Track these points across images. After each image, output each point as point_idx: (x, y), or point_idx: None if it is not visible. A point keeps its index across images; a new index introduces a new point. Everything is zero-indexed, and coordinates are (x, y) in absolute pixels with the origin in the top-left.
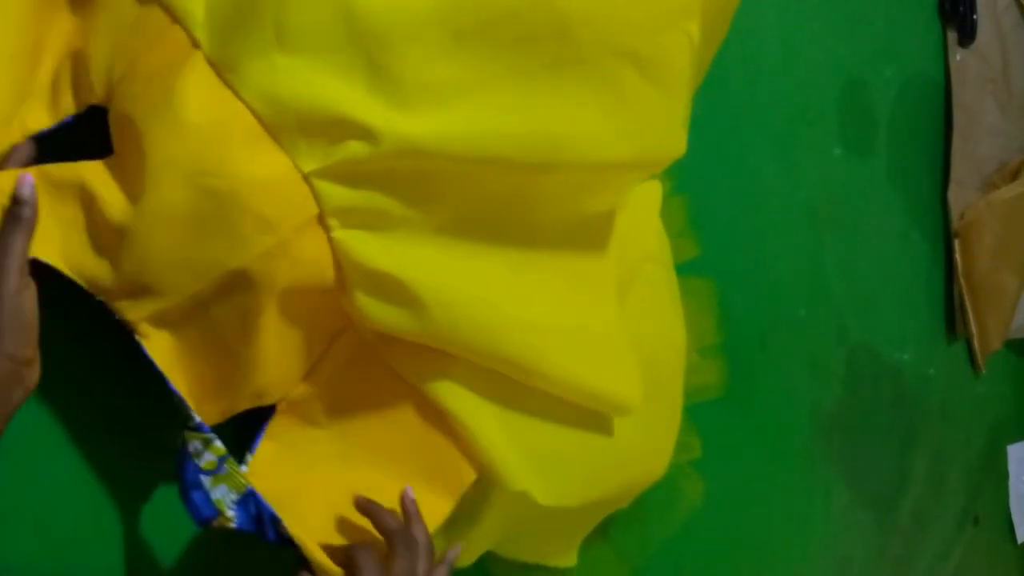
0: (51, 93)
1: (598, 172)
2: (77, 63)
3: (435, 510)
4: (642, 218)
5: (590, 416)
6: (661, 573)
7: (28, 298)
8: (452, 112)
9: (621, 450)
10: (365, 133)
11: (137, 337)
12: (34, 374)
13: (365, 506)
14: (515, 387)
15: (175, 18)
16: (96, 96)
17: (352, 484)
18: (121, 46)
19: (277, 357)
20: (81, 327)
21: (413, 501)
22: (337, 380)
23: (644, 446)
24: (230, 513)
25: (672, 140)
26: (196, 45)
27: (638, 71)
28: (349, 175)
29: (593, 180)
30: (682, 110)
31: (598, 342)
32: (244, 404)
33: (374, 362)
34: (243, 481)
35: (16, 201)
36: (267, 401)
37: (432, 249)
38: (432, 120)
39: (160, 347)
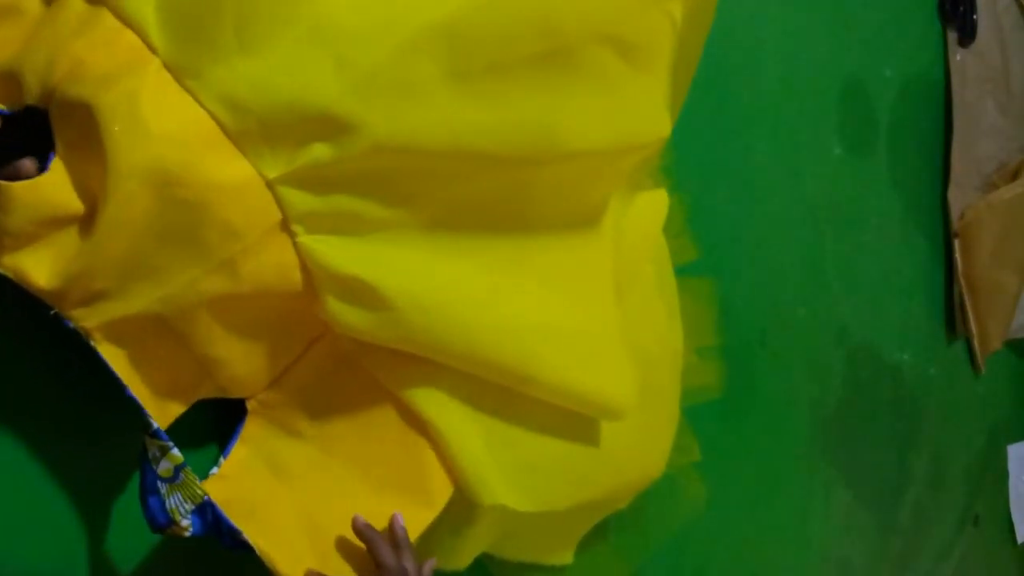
0: None
1: (585, 161)
2: (8, 63)
3: (414, 521)
4: (644, 224)
5: (579, 420)
6: (661, 573)
7: None
8: (426, 107)
9: (613, 453)
10: (334, 130)
11: (92, 343)
12: None
13: (365, 532)
14: (499, 392)
15: (126, 22)
16: (31, 96)
17: (329, 495)
18: (62, 45)
19: (243, 357)
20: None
21: (403, 528)
22: (316, 389)
23: (639, 448)
24: (184, 522)
25: (656, 122)
26: (152, 50)
27: (621, 56)
28: (314, 179)
29: (582, 171)
30: (664, 91)
31: (591, 343)
32: (205, 394)
33: (357, 373)
34: (199, 492)
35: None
36: (231, 395)
37: (409, 251)
38: (405, 115)
39: (116, 352)
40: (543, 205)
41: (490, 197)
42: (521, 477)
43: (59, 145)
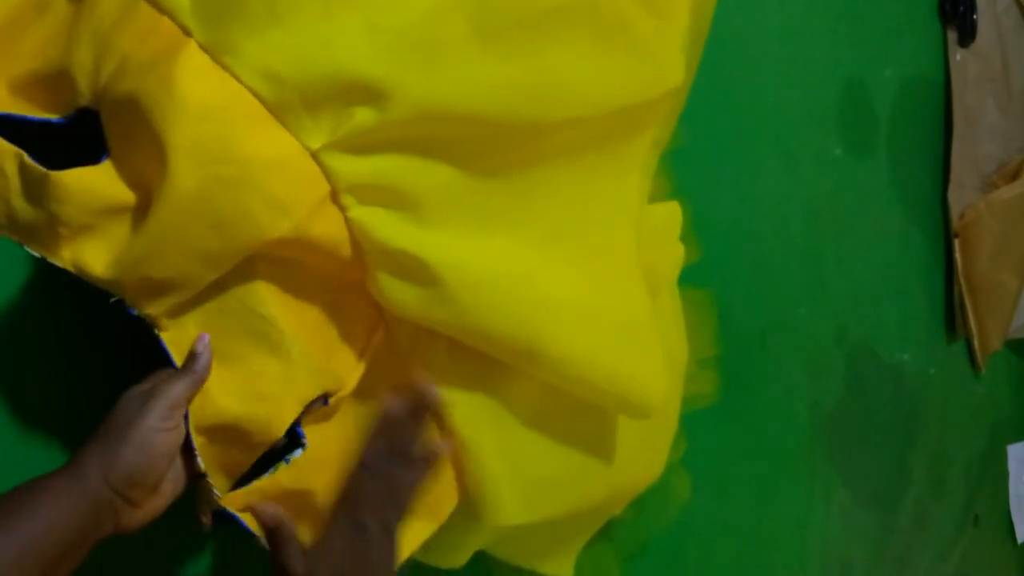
0: (32, 89)
1: (607, 120)
2: (57, 65)
3: (416, 533)
4: (659, 235)
5: (593, 425)
6: (661, 572)
7: (164, 442)
8: (458, 66)
9: (617, 460)
10: (373, 95)
11: (156, 331)
12: (134, 517)
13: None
14: (524, 401)
15: (160, 9)
16: (84, 98)
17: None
18: (106, 45)
19: (327, 346)
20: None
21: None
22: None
23: (639, 455)
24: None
25: (671, 69)
26: (187, 33)
27: (643, 5)
28: (359, 146)
29: (606, 132)
30: (680, 35)
31: (628, 328)
32: (313, 393)
33: (398, 369)
34: (213, 501)
35: (192, 354)
36: (333, 387)
37: (453, 226)
38: (438, 75)
39: (179, 340)
40: (575, 180)
41: (525, 171)
42: (531, 491)
43: (110, 141)
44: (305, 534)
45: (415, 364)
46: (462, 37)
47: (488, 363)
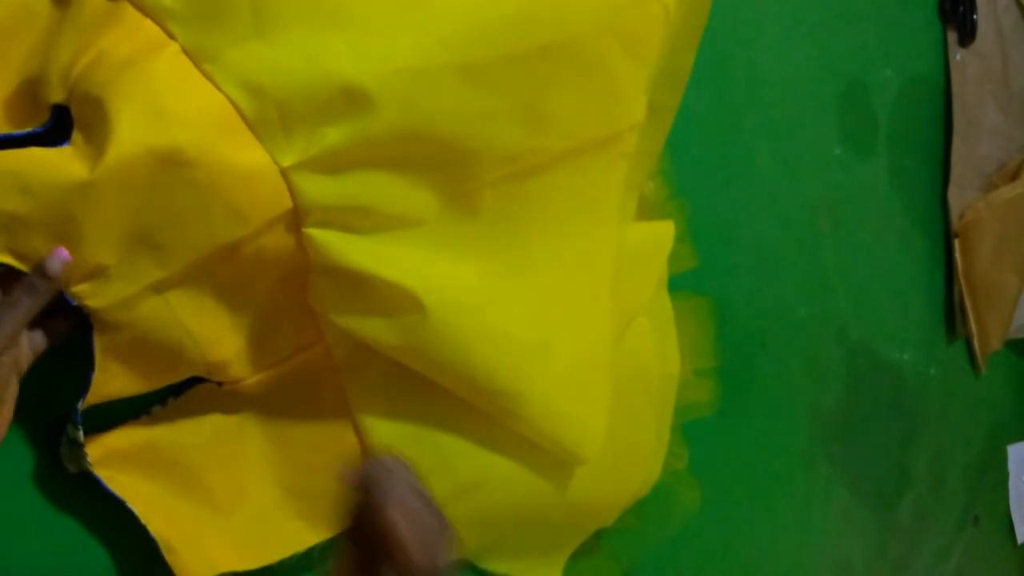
0: (15, 102)
1: (579, 157)
2: (37, 72)
3: (302, 538)
4: (645, 264)
5: (523, 447)
6: (660, 572)
7: (5, 363)
8: (439, 94)
9: (566, 479)
10: (349, 108)
11: (94, 326)
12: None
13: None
14: (447, 421)
15: (144, 11)
16: (56, 93)
17: (239, 479)
18: (85, 43)
19: (230, 339)
20: None
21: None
22: (290, 390)
23: (614, 471)
24: (71, 467)
25: (636, 107)
26: (171, 37)
27: (622, 46)
28: (328, 168)
29: (577, 166)
30: (646, 78)
31: (577, 376)
32: (185, 374)
33: (331, 386)
34: (86, 464)
35: (39, 271)
36: (215, 378)
37: (412, 250)
38: (417, 100)
39: (107, 341)
40: (543, 215)
41: (496, 203)
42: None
43: (76, 131)
44: (162, 493)
45: (348, 382)
46: (446, 67)
47: (421, 385)
